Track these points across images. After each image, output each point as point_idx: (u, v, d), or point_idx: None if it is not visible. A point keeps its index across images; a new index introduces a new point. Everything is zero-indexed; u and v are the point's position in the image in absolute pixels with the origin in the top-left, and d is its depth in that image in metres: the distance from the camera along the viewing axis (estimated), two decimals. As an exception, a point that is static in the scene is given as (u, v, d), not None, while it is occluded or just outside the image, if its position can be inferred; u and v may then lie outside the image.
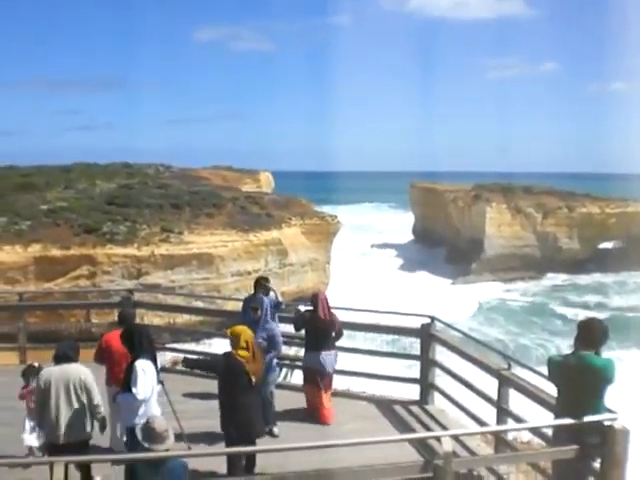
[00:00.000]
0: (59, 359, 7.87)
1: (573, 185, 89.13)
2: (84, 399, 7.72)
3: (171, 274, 37.22)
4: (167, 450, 6.22)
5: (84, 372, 7.84)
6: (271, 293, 10.73)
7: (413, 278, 64.88)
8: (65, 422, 7.63)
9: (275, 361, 10.33)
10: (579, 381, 6.74)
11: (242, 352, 8.33)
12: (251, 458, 8.32)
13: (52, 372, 7.78)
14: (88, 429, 7.82)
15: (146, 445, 6.19)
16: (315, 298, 10.75)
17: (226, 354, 8.54)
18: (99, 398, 7.85)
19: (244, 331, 8.60)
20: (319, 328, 10.54)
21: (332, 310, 10.77)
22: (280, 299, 10.91)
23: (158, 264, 36.98)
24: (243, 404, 8.24)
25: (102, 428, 7.98)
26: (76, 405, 7.69)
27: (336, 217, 51.56)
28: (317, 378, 10.48)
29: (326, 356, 10.53)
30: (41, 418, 7.85)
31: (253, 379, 8.34)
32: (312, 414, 10.53)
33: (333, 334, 10.72)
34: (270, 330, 10.09)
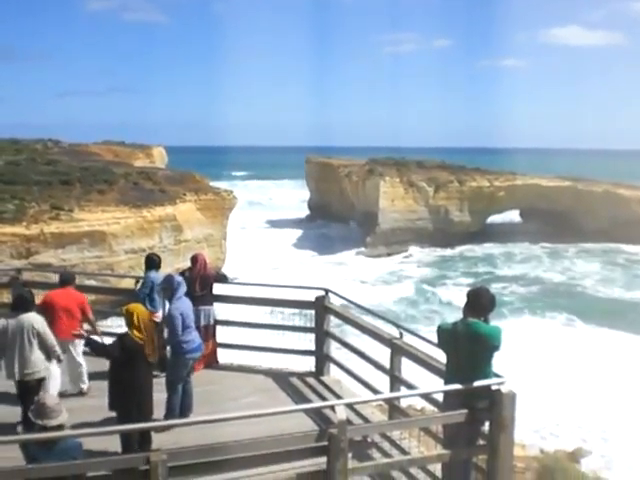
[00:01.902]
0: (16, 308, 9.35)
1: (464, 160, 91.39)
2: (37, 343, 9.12)
3: (62, 253, 36.15)
4: (60, 426, 6.10)
5: (37, 320, 9.23)
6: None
7: (307, 253, 65.32)
8: (20, 363, 9.06)
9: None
10: (467, 348, 6.95)
11: (137, 332, 8.26)
12: (146, 436, 8.24)
13: (9, 321, 9.19)
14: (41, 368, 9.13)
15: (38, 422, 6.06)
16: (194, 259, 11.72)
17: (121, 335, 8.50)
18: (52, 339, 9.20)
19: (136, 308, 8.52)
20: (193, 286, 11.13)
21: (208, 270, 11.74)
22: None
23: (48, 243, 35.85)
24: (142, 385, 8.22)
25: (59, 361, 9.44)
26: (28, 348, 9.08)
27: (231, 192, 51.21)
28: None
29: (202, 310, 11.29)
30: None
31: (150, 359, 8.32)
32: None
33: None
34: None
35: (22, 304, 9.35)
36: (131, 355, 8.18)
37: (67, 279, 11.11)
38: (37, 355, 9.12)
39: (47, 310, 10.25)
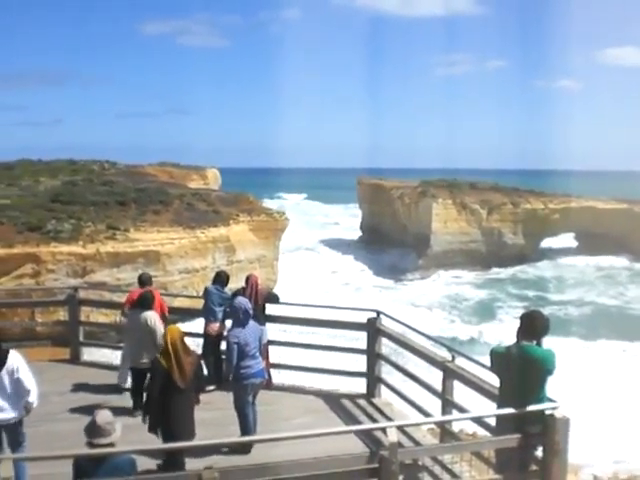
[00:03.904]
0: (140, 306, 10.66)
1: (518, 181, 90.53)
2: (151, 337, 10.21)
3: (117, 272, 36.71)
4: (111, 444, 6.18)
5: (155, 317, 10.53)
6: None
7: (359, 275, 65.22)
8: (138, 352, 10.35)
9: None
10: (520, 371, 6.89)
11: (163, 358, 8.34)
12: (178, 460, 8.22)
13: (132, 316, 10.76)
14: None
15: (86, 439, 6.17)
16: (247, 279, 12.10)
17: (152, 360, 8.71)
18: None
19: (170, 331, 8.58)
20: None
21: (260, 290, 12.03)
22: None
23: (103, 262, 36.46)
24: (172, 411, 8.22)
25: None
26: (144, 340, 10.27)
27: (284, 213, 51.50)
28: None
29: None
30: None
31: (179, 383, 8.25)
32: None
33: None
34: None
35: (145, 302, 10.71)
36: (160, 381, 8.25)
37: (147, 279, 12.18)
38: (150, 347, 10.04)
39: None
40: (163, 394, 8.23)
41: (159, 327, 10.30)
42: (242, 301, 9.96)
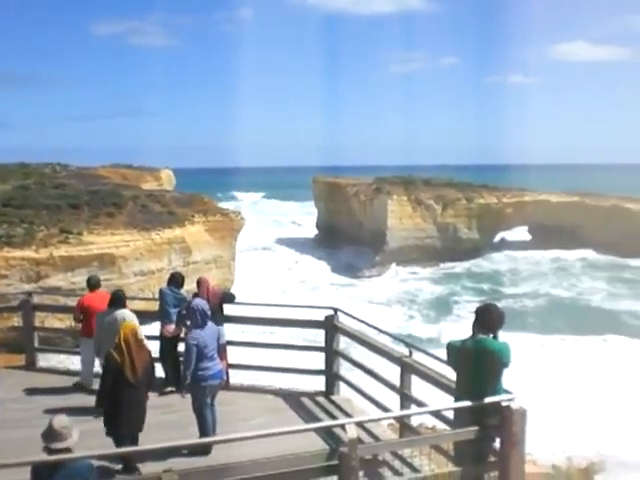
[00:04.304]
0: (112, 305, 10.96)
1: (472, 177, 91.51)
2: None
3: (71, 276, 36.20)
4: (68, 449, 6.11)
5: (129, 315, 10.65)
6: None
7: (316, 273, 65.26)
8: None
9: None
10: (477, 364, 6.96)
11: (116, 353, 8.67)
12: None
13: (106, 315, 10.87)
14: None
15: (44, 444, 6.11)
16: (198, 282, 11.88)
17: (106, 355, 8.97)
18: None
19: (125, 328, 8.94)
20: None
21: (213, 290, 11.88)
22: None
23: (57, 266, 35.95)
24: (122, 402, 8.53)
25: None
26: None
27: (239, 213, 51.32)
28: None
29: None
30: None
31: (130, 378, 8.56)
32: None
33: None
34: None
35: (118, 301, 11.05)
36: (113, 375, 8.57)
37: (96, 282, 12.55)
38: None
39: (84, 312, 11.93)
40: (115, 388, 8.50)
41: (136, 324, 10.17)
42: (199, 302, 9.92)
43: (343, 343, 11.70)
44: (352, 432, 6.36)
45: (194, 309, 9.69)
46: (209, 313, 9.81)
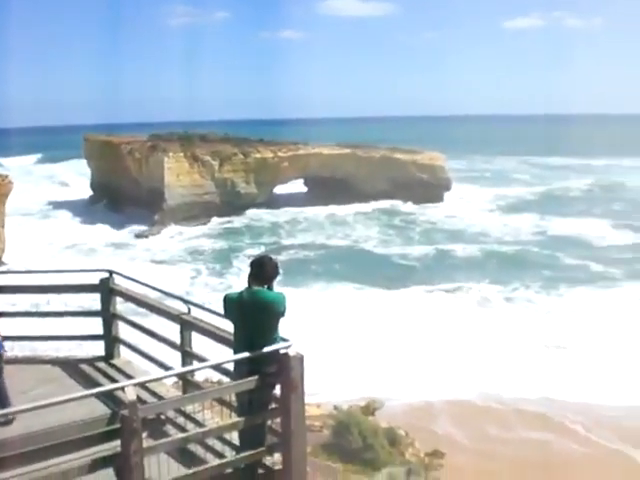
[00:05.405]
0: None
1: (249, 132, 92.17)
2: None
3: None
4: None
5: None
6: None
7: (91, 235, 63.19)
8: None
9: None
10: (253, 315, 7.09)
11: None
12: None
13: None
14: None
15: None
16: None
17: None
18: None
19: None
20: None
21: None
22: None
23: None
24: None
25: None
26: None
27: (7, 177, 48.34)
28: None
29: None
30: None
31: None
32: None
33: None
34: None
35: None
36: None
37: None
38: None
39: None
40: None
41: None
42: None
43: (123, 306, 11.45)
44: (131, 394, 6.27)
45: None
46: None
